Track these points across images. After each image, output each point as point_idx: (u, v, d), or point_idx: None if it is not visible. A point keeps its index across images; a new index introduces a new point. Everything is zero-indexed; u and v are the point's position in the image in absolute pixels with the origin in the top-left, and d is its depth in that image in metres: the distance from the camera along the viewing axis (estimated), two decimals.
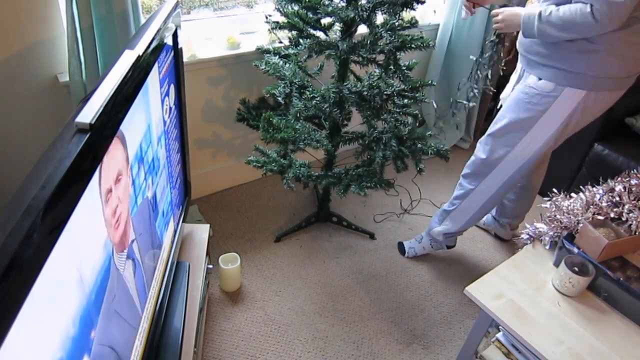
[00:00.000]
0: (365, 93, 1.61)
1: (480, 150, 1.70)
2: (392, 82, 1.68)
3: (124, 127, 0.77)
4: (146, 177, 0.97)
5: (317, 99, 1.62)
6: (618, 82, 1.40)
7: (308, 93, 1.63)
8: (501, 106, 1.80)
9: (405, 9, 1.56)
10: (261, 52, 1.78)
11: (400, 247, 2.05)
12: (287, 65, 1.71)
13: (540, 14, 1.34)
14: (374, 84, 1.62)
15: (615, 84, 1.40)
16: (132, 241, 0.88)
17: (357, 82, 1.73)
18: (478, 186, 1.73)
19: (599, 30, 1.27)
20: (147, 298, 1.03)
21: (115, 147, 0.74)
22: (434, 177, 2.55)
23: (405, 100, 1.75)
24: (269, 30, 1.72)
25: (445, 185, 2.50)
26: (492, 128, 1.65)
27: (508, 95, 1.67)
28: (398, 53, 1.61)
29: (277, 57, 1.77)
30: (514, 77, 1.70)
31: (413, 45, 1.58)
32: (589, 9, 1.23)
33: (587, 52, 1.34)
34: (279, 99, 1.68)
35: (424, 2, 1.55)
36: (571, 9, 1.28)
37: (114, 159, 0.74)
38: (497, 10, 1.50)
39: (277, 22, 1.66)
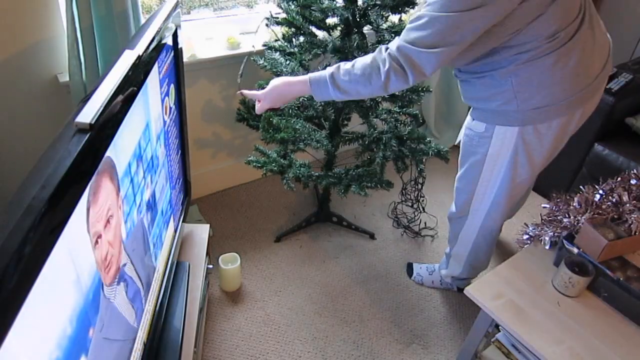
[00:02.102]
0: None
1: (454, 201, 1.63)
2: None
3: (111, 151, 0.77)
4: (144, 179, 0.97)
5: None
6: (558, 108, 1.23)
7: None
8: None
9: (398, 11, 1.56)
10: (267, 48, 1.75)
11: (409, 269, 1.96)
12: (288, 62, 1.70)
13: (332, 76, 1.20)
14: None
15: (554, 112, 1.23)
16: (124, 265, 0.85)
17: None
18: (461, 231, 1.64)
19: (404, 85, 1.15)
20: (144, 306, 1.03)
21: (103, 184, 0.70)
22: (433, 177, 2.55)
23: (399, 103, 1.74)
24: (266, 24, 1.71)
25: (445, 185, 2.50)
26: (458, 177, 1.57)
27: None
28: None
29: (279, 54, 1.75)
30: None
31: None
32: (382, 63, 1.13)
33: (495, 89, 1.24)
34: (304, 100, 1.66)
35: (415, 5, 1.55)
36: (365, 64, 1.16)
37: (103, 197, 0.70)
38: (254, 93, 1.33)
39: (275, 18, 1.66)
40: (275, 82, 1.29)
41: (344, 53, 1.61)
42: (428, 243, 2.14)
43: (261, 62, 1.71)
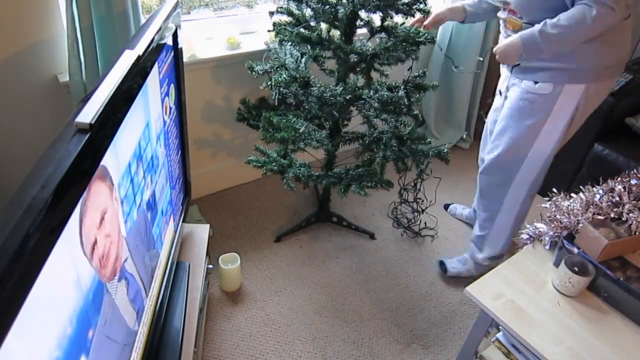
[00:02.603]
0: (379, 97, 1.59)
1: (487, 178, 1.70)
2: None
3: (107, 159, 0.77)
4: (144, 179, 0.97)
5: (327, 94, 1.58)
6: (614, 69, 1.43)
7: (315, 89, 1.58)
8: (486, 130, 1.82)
9: (392, 11, 1.56)
10: (280, 41, 1.73)
11: (442, 266, 1.96)
12: (298, 59, 1.68)
13: (541, 30, 1.32)
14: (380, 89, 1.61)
15: (612, 71, 1.43)
16: (125, 260, 0.85)
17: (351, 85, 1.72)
18: (503, 204, 1.69)
19: (613, 20, 1.26)
20: (145, 306, 1.03)
21: (97, 189, 0.70)
22: (432, 180, 2.54)
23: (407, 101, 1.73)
24: (270, 12, 1.70)
25: (444, 186, 2.50)
26: (495, 150, 1.63)
27: (496, 114, 1.68)
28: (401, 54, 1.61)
29: (280, 45, 1.74)
30: (498, 96, 1.72)
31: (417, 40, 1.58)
32: (589, 8, 1.24)
33: (579, 46, 1.35)
34: (279, 91, 1.63)
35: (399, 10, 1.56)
36: (572, 12, 1.28)
37: (97, 200, 0.69)
38: (495, 49, 1.48)
39: (282, 7, 1.65)
40: (505, 41, 1.43)
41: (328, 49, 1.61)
42: (428, 243, 2.14)
43: (258, 67, 1.68)
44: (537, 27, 1.33)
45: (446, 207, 2.35)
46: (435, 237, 2.17)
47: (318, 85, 1.58)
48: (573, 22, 1.28)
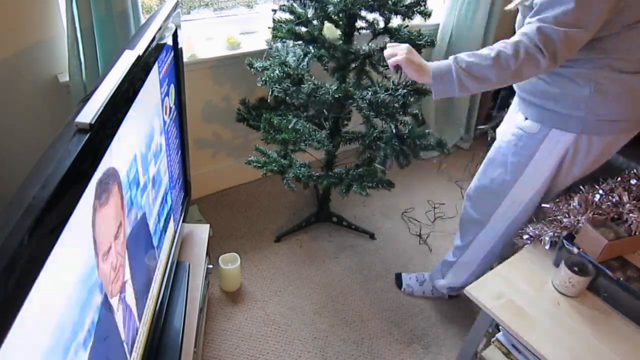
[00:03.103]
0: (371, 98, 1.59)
1: (469, 206, 1.56)
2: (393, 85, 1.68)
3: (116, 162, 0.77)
4: (146, 180, 0.97)
5: (321, 92, 1.57)
6: (619, 125, 1.22)
7: (306, 86, 1.58)
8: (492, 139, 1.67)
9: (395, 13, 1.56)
10: (275, 25, 1.72)
11: (398, 280, 1.90)
12: (300, 57, 1.68)
13: (456, 56, 1.13)
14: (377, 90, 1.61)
15: (615, 127, 1.22)
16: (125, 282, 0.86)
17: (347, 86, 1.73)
18: (476, 238, 1.57)
19: (539, 66, 1.07)
20: (144, 312, 1.03)
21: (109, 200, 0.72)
22: (433, 178, 2.55)
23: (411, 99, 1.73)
24: (272, 10, 1.70)
25: (443, 186, 2.50)
26: (481, 178, 1.50)
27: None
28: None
29: (281, 43, 1.73)
30: (508, 115, 1.55)
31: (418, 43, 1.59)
32: (515, 42, 1.07)
33: (570, 90, 1.20)
34: (272, 89, 1.63)
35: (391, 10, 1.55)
36: (492, 47, 1.10)
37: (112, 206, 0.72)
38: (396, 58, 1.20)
39: (285, 5, 1.65)
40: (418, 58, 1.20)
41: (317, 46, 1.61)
42: (428, 243, 2.14)
43: (258, 64, 1.68)
44: (450, 58, 1.14)
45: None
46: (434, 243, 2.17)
47: (309, 82, 1.57)
48: (494, 52, 1.09)
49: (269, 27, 1.73)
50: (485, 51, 1.11)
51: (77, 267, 0.62)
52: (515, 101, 1.45)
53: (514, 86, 1.35)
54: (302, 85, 1.58)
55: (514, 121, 1.36)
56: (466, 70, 1.11)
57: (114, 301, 0.78)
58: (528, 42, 1.06)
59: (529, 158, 1.33)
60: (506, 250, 1.78)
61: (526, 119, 1.31)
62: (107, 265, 0.73)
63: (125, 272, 0.84)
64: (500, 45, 1.10)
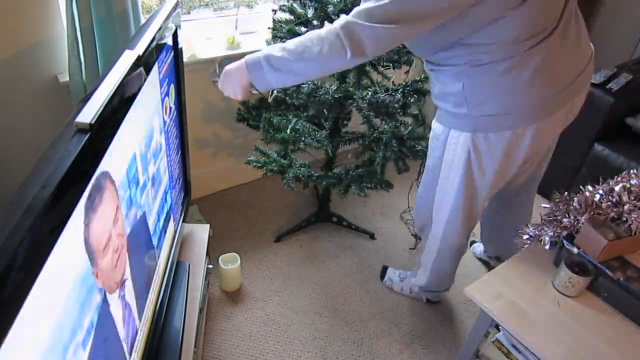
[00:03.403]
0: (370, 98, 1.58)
1: (419, 205, 1.56)
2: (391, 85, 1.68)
3: (110, 167, 0.77)
4: (146, 180, 0.97)
5: (321, 92, 1.57)
6: (506, 119, 1.17)
7: (305, 86, 1.57)
8: None
9: None
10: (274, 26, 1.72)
11: (383, 272, 1.91)
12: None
13: (265, 54, 1.13)
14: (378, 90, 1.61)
15: (502, 122, 1.18)
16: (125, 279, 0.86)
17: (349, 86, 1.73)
18: (427, 239, 1.57)
19: (343, 58, 1.05)
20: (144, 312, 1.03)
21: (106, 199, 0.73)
22: None
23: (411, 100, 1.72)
24: (273, 10, 1.70)
25: None
26: (424, 179, 1.51)
27: None
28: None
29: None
30: None
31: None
32: (326, 31, 1.05)
33: (448, 88, 1.19)
34: (275, 90, 1.63)
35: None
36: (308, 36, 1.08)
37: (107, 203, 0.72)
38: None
39: (285, 5, 1.65)
40: (230, 67, 1.21)
41: None
42: None
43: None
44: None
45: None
46: None
47: (309, 83, 1.57)
48: (301, 41, 1.08)
49: (269, 28, 1.74)
50: (292, 45, 1.09)
51: (77, 266, 0.62)
52: None
53: None
54: (302, 86, 1.58)
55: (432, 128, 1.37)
56: (272, 65, 1.11)
57: (114, 299, 0.78)
58: (334, 38, 1.04)
59: (440, 160, 1.34)
60: (500, 251, 1.78)
61: (434, 119, 1.34)
62: (106, 261, 0.73)
63: (125, 271, 0.84)
64: (309, 38, 1.08)
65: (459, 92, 1.17)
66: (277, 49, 1.11)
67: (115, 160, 0.75)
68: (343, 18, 1.05)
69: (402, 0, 0.99)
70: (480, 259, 2.04)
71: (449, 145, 1.29)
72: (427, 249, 1.59)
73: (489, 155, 1.25)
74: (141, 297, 0.97)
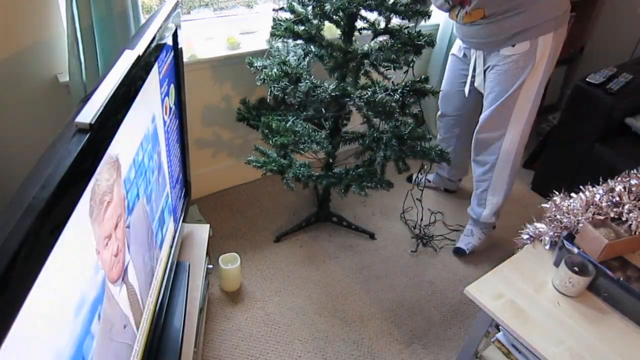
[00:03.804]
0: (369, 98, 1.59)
1: (489, 127, 1.84)
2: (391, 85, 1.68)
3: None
4: (144, 183, 0.97)
5: (319, 91, 1.57)
6: (561, 18, 1.64)
7: (303, 85, 1.58)
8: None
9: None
10: (275, 24, 1.72)
11: (459, 250, 2.07)
12: (301, 57, 1.68)
13: None
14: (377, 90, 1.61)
15: (560, 20, 1.64)
16: (127, 267, 0.86)
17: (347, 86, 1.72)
18: (500, 151, 1.84)
19: None
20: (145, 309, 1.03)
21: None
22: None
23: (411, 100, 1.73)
24: (273, 9, 1.70)
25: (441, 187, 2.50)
26: (488, 109, 1.81)
27: (473, 85, 1.87)
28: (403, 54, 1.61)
29: (282, 43, 1.73)
30: (469, 74, 1.88)
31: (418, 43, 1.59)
32: None
33: (529, 7, 1.56)
34: (271, 88, 1.63)
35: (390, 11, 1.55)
36: None
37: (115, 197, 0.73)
38: None
39: (283, 7, 1.65)
40: None
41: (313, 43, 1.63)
42: (431, 245, 2.14)
43: (258, 63, 1.68)
44: None
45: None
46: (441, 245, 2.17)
47: (307, 81, 1.57)
48: None
49: (272, 27, 1.74)
50: None
51: (77, 266, 0.62)
52: (470, 50, 1.82)
53: (473, 40, 1.76)
54: (300, 84, 1.58)
55: (501, 56, 1.70)
56: None
57: (116, 291, 0.78)
58: None
59: (530, 69, 1.68)
60: (460, 172, 2.33)
61: (514, 45, 1.65)
62: (107, 253, 0.73)
63: (126, 267, 0.84)
64: None
65: (534, 5, 1.57)
66: None
67: (120, 160, 0.75)
68: None
69: None
70: (429, 187, 2.42)
71: (539, 51, 1.65)
72: (502, 160, 1.87)
73: (559, 46, 1.69)
74: (144, 287, 0.97)
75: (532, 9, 1.58)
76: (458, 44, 1.93)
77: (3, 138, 1.56)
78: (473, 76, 1.86)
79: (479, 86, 1.86)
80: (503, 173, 1.90)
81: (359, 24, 1.65)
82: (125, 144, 0.80)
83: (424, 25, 2.44)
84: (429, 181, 2.43)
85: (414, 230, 2.18)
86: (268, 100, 1.87)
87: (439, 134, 2.21)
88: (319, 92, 1.57)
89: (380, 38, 1.69)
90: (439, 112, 2.15)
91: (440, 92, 2.06)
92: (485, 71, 1.80)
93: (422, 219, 2.21)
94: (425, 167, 2.13)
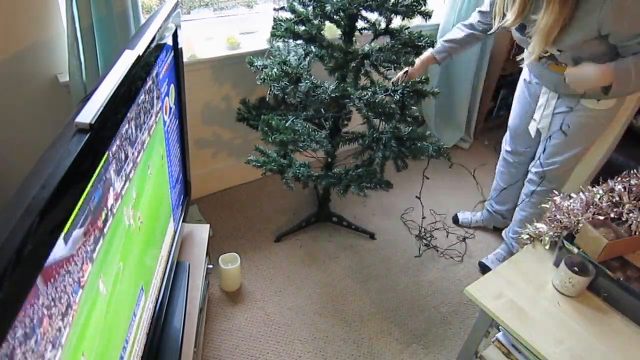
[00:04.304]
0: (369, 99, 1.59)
1: (545, 179, 1.75)
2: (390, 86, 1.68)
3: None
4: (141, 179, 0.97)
5: (319, 91, 1.57)
6: None
7: (303, 85, 1.58)
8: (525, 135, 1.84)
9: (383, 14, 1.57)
10: (276, 23, 1.71)
11: (483, 267, 2.01)
12: (301, 57, 1.68)
13: (635, 63, 1.31)
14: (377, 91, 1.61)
15: None
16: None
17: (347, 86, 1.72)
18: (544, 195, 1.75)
19: None
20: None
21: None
22: (432, 181, 2.55)
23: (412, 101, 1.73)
24: (274, 9, 1.70)
25: (443, 187, 2.50)
26: (555, 157, 1.70)
27: (541, 125, 1.71)
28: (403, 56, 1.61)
29: (283, 43, 1.73)
30: (537, 108, 1.72)
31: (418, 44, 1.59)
32: None
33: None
34: (271, 87, 1.64)
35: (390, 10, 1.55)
36: None
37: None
38: (572, 75, 1.46)
39: (283, 7, 1.65)
40: (575, 71, 1.43)
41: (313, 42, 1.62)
42: (432, 244, 2.14)
43: (258, 62, 1.68)
44: (629, 58, 1.32)
45: (455, 219, 2.28)
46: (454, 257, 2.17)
47: (307, 81, 1.57)
48: None
49: (272, 27, 1.74)
50: None
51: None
52: (544, 103, 1.66)
53: (559, 90, 1.58)
54: (300, 84, 1.58)
55: (581, 108, 1.55)
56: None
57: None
58: None
59: (609, 126, 1.60)
60: (509, 211, 2.09)
61: (598, 100, 1.51)
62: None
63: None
64: None
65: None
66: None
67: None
68: None
69: None
70: (475, 227, 2.25)
71: (622, 109, 1.58)
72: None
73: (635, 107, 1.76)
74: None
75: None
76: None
77: (3, 138, 1.56)
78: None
79: (542, 128, 1.73)
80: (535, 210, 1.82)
81: (360, 24, 1.65)
82: (125, 144, 0.80)
83: (424, 25, 2.45)
84: (477, 221, 2.26)
85: (416, 231, 2.18)
86: (268, 100, 1.87)
87: (501, 168, 2.04)
88: (319, 92, 1.57)
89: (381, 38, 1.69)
90: (505, 148, 1.98)
91: (509, 128, 1.92)
92: (554, 113, 1.65)
93: (423, 218, 2.21)
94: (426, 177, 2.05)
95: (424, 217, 2.23)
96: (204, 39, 1.95)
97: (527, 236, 1.40)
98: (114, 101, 0.71)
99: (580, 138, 1.62)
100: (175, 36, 1.15)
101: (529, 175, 1.84)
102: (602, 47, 1.35)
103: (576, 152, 1.66)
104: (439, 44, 1.77)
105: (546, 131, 1.69)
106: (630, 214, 1.26)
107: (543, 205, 1.71)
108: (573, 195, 1.39)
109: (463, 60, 2.44)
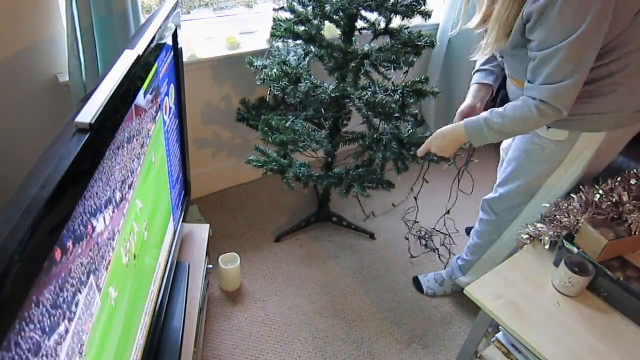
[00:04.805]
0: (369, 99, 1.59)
1: (497, 207, 1.58)
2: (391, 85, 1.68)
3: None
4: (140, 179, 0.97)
5: (319, 91, 1.58)
6: (632, 117, 1.29)
7: (303, 85, 1.58)
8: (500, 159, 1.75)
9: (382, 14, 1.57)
10: (276, 24, 1.71)
11: (417, 284, 1.91)
12: (301, 57, 1.68)
13: (486, 119, 1.29)
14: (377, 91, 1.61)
15: (632, 119, 1.29)
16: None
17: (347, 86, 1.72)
18: (501, 238, 1.61)
19: (560, 116, 1.19)
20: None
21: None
22: (433, 181, 2.54)
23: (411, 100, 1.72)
24: (274, 9, 1.71)
25: (442, 187, 2.50)
26: (502, 188, 1.54)
27: (509, 146, 1.57)
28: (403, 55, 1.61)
29: (283, 43, 1.74)
30: None
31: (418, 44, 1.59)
32: (534, 107, 1.19)
33: (603, 93, 1.24)
34: (271, 87, 1.64)
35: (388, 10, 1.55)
36: (517, 105, 1.23)
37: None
38: (423, 148, 1.46)
39: (283, 7, 1.65)
40: (437, 135, 1.43)
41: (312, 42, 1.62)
42: (432, 245, 2.14)
43: (258, 63, 1.69)
44: (483, 115, 1.31)
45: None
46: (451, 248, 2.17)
47: (307, 81, 1.57)
48: (518, 115, 1.23)
49: (272, 27, 1.74)
50: (511, 112, 1.25)
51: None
52: None
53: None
54: (300, 84, 1.58)
55: (530, 135, 1.40)
56: (496, 132, 1.29)
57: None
58: (545, 108, 1.18)
59: (561, 162, 1.38)
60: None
61: (548, 128, 1.34)
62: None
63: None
64: (523, 106, 1.22)
65: (616, 91, 1.23)
66: (494, 116, 1.28)
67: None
68: (536, 90, 1.18)
69: (575, 52, 1.09)
70: None
71: (578, 147, 1.33)
72: (502, 244, 1.61)
73: (614, 149, 1.38)
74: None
75: (591, 98, 1.25)
76: None
77: (3, 138, 1.56)
78: None
79: (503, 149, 1.66)
80: (496, 259, 1.64)
81: (360, 24, 1.65)
82: (125, 144, 0.80)
83: (424, 25, 2.45)
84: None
85: (416, 231, 2.18)
86: (268, 100, 1.87)
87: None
88: (319, 92, 1.57)
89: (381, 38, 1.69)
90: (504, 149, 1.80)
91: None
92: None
93: (417, 220, 2.21)
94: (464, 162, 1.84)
95: (416, 221, 2.23)
96: (204, 39, 1.95)
97: (527, 236, 1.39)
98: (114, 101, 0.71)
99: (524, 168, 1.45)
100: (175, 36, 1.15)
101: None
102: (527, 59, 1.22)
103: (519, 185, 1.47)
104: (479, 74, 1.60)
105: (506, 153, 1.59)
106: (631, 214, 1.25)
107: (489, 240, 1.63)
108: (573, 195, 1.39)
109: (463, 60, 2.44)
